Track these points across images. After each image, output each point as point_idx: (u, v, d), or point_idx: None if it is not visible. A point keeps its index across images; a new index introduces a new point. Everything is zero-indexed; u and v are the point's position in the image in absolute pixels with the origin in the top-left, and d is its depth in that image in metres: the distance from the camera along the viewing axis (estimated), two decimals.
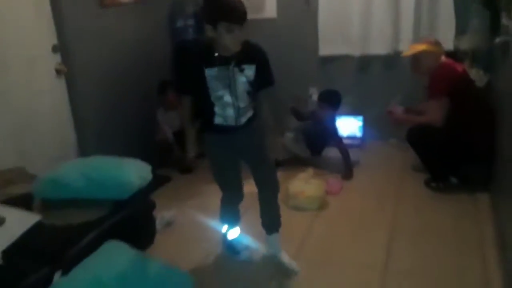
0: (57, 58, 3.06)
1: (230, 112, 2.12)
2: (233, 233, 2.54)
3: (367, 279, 2.26)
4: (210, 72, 2.02)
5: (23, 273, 1.89)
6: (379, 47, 3.89)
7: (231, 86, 2.06)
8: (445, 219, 2.79)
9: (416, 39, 3.62)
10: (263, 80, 2.13)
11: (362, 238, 2.65)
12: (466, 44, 3.45)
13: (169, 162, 3.77)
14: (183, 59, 2.17)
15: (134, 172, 2.50)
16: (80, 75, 3.20)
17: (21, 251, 2.01)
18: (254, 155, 2.27)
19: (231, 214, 2.50)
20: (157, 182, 3.34)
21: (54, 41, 3.03)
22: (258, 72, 2.08)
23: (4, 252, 1.95)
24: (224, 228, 2.54)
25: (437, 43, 3.09)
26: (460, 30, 3.57)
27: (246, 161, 2.31)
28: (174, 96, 3.77)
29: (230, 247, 2.56)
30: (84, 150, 3.25)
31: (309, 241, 2.64)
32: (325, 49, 4.07)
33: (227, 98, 2.08)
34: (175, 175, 3.69)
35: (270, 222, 2.39)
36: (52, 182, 2.40)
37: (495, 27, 3.15)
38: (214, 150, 2.27)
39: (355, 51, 3.98)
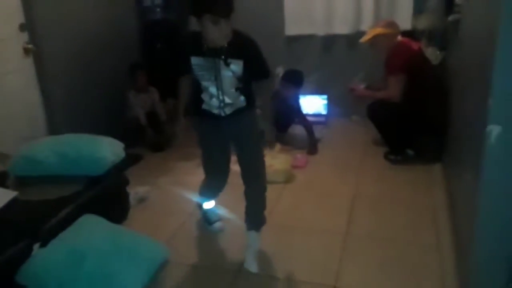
0: (24, 37, 3.06)
1: (215, 102, 2.10)
2: (208, 204, 2.59)
3: (329, 242, 2.45)
4: (196, 61, 2.01)
5: (3, 246, 1.97)
6: (342, 27, 4.06)
7: (217, 79, 2.03)
8: (402, 187, 3.02)
9: (377, 19, 3.79)
10: (256, 73, 2.08)
11: (325, 207, 2.84)
12: (423, 23, 3.65)
13: (142, 142, 3.83)
14: (177, 42, 2.15)
15: (108, 148, 2.58)
16: (48, 54, 3.21)
17: (1, 225, 2.08)
18: (240, 147, 2.25)
19: (210, 191, 2.51)
20: (129, 160, 3.42)
21: (22, 19, 3.03)
22: (248, 66, 2.01)
23: None
24: (205, 203, 2.58)
25: (391, 25, 3.28)
26: (418, 10, 3.77)
27: (235, 150, 2.29)
28: (144, 78, 3.83)
29: (204, 217, 2.63)
30: (53, 129, 3.28)
31: (277, 210, 2.81)
32: (291, 29, 4.19)
33: (213, 90, 2.06)
34: (146, 154, 3.77)
35: (250, 218, 2.35)
36: (26, 159, 2.46)
37: (450, 7, 3.35)
38: (201, 133, 2.26)
39: (320, 31, 4.12)
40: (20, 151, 2.52)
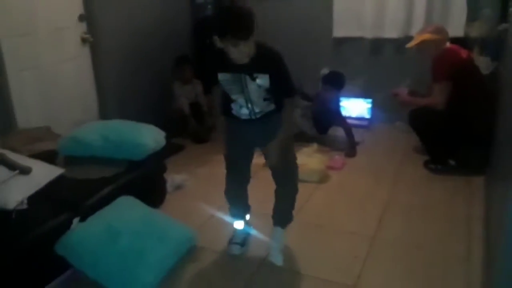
0: (83, 27, 3.29)
1: (245, 112, 2.13)
2: (238, 223, 2.50)
3: (355, 244, 2.45)
4: (223, 77, 2.05)
5: (46, 217, 2.15)
6: (391, 31, 4.00)
7: (244, 92, 2.05)
8: (438, 197, 2.95)
9: (428, 24, 3.70)
10: (282, 91, 2.08)
11: (356, 210, 2.83)
12: (476, 31, 3.54)
13: (184, 131, 3.98)
14: (205, 59, 2.19)
15: (149, 136, 2.72)
16: (103, 44, 3.42)
17: (45, 198, 2.25)
18: (268, 147, 2.22)
19: (236, 203, 2.46)
20: (171, 149, 3.58)
21: (81, 11, 3.25)
22: (273, 81, 2.01)
23: (29, 198, 2.20)
24: (235, 222, 2.50)
25: (440, 30, 3.19)
26: (471, 18, 3.65)
27: (263, 153, 2.30)
28: (190, 71, 3.97)
29: (232, 236, 2.50)
30: (104, 115, 3.50)
31: (307, 208, 2.83)
32: (339, 31, 4.19)
33: (242, 101, 2.10)
34: (188, 145, 3.91)
35: (276, 216, 2.40)
36: (75, 140, 2.65)
37: (504, 15, 3.23)
38: (229, 131, 2.28)
39: (368, 34, 4.09)
40: (70, 133, 2.71)
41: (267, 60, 1.99)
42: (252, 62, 1.95)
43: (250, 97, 2.07)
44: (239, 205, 2.46)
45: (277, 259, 2.31)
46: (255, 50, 1.93)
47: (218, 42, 1.91)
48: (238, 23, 1.84)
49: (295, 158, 2.35)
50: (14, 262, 1.95)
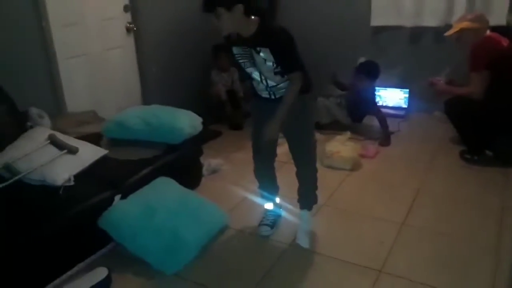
0: (127, 17, 3.46)
1: (262, 87, 2.22)
2: (268, 204, 2.60)
3: (383, 230, 2.49)
4: (235, 50, 2.16)
5: (90, 194, 2.32)
6: (431, 20, 3.93)
7: (255, 65, 2.13)
8: (472, 187, 2.92)
9: (469, 12, 3.62)
10: (284, 67, 2.11)
11: (387, 196, 2.86)
12: None
13: (221, 117, 4.10)
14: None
15: (187, 121, 2.85)
16: (146, 34, 3.59)
17: (90, 177, 2.43)
18: (290, 131, 2.30)
19: (265, 183, 2.54)
20: (209, 135, 3.72)
21: (126, 1, 3.42)
22: (275, 55, 2.06)
23: (76, 176, 2.38)
24: (265, 204, 2.61)
25: (480, 18, 3.12)
26: None
27: (284, 134, 2.34)
28: (226, 59, 4.08)
29: (262, 217, 2.59)
30: (146, 100, 3.67)
31: (338, 194, 2.89)
32: (377, 20, 4.16)
33: (256, 75, 2.18)
34: (225, 131, 4.04)
35: (302, 198, 2.47)
36: (118, 124, 2.82)
37: None
38: (254, 112, 2.42)
39: (407, 22, 4.04)
40: (114, 117, 2.89)
41: (267, 35, 2.05)
42: (253, 37, 2.06)
43: (261, 70, 2.14)
44: (267, 184, 2.55)
45: (304, 242, 2.39)
46: (257, 27, 2.03)
47: (222, 13, 1.98)
48: None
49: (313, 140, 2.38)
50: (61, 235, 2.13)
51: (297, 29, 2.18)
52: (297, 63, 2.13)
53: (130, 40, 3.53)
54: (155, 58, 3.71)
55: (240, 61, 2.19)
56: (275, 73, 2.13)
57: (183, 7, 3.91)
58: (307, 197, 2.47)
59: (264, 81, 2.18)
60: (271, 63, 2.09)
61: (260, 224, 2.55)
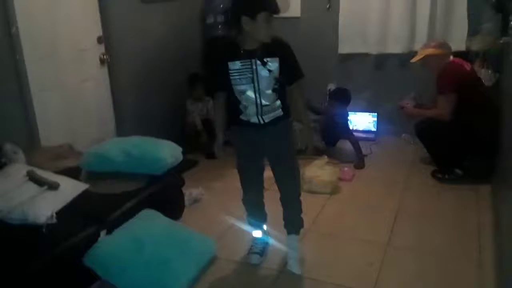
0: (101, 48, 3.43)
1: (252, 109, 2.17)
2: (257, 232, 2.57)
3: (370, 251, 2.54)
4: (233, 66, 2.09)
5: (74, 231, 2.24)
6: (395, 47, 4.14)
7: (254, 81, 2.11)
8: (447, 205, 3.06)
9: (431, 39, 3.84)
10: (292, 74, 2.17)
11: (368, 218, 2.93)
12: (477, 45, 3.67)
13: (197, 147, 4.08)
14: (210, 56, 2.26)
15: (168, 151, 2.83)
16: (121, 64, 3.56)
17: (72, 213, 2.35)
18: (277, 155, 2.32)
19: (255, 212, 2.52)
20: (186, 165, 3.67)
21: (99, 33, 3.40)
22: (283, 66, 2.11)
23: (58, 212, 2.30)
24: (253, 232, 2.58)
25: (442, 45, 3.34)
26: (472, 32, 3.79)
27: (268, 159, 2.36)
28: (201, 88, 4.11)
29: (251, 245, 2.57)
30: (121, 132, 3.61)
31: (321, 218, 2.94)
32: (344, 48, 4.33)
33: (250, 93, 2.13)
34: (201, 160, 4.01)
35: (289, 224, 2.45)
36: (98, 156, 2.75)
37: (504, 29, 3.37)
38: (239, 142, 2.34)
39: (373, 49, 4.24)
40: (93, 149, 2.82)
41: (277, 45, 2.11)
42: (263, 47, 2.08)
43: (259, 87, 2.12)
44: (256, 213, 2.53)
45: (296, 268, 2.39)
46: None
47: (247, 23, 1.99)
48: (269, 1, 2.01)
49: (298, 164, 2.43)
50: (45, 275, 2.03)
51: None
52: (301, 69, 2.21)
53: (104, 71, 3.49)
54: (129, 88, 3.67)
55: (236, 77, 2.12)
56: (273, 90, 2.16)
57: (157, 37, 3.93)
58: (294, 222, 2.48)
59: (258, 100, 2.15)
60: (273, 77, 2.12)
61: (249, 253, 2.53)
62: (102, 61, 3.44)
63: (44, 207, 2.22)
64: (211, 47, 2.25)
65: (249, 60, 2.09)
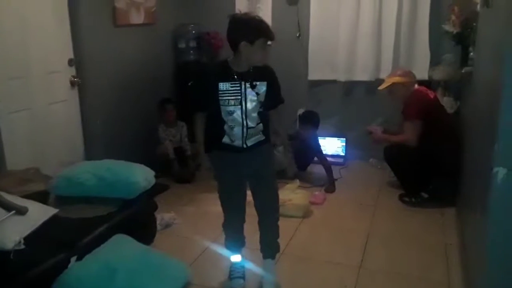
0: (72, 71, 3.39)
1: (238, 131, 2.20)
2: (235, 257, 2.54)
3: (343, 275, 2.57)
4: (223, 86, 2.14)
5: (43, 257, 2.16)
6: (362, 75, 4.30)
7: (241, 102, 2.16)
8: (415, 227, 3.14)
9: (395, 68, 4.02)
10: (275, 98, 2.29)
11: (340, 241, 2.97)
12: (439, 74, 3.86)
13: (168, 174, 4.04)
14: (200, 75, 2.27)
15: (141, 174, 2.79)
16: (91, 87, 3.52)
17: (41, 238, 2.26)
18: (258, 180, 2.35)
19: (235, 237, 2.50)
20: (157, 189, 3.62)
21: (71, 55, 3.36)
22: (269, 90, 2.21)
23: (26, 238, 2.21)
24: (232, 256, 2.54)
25: (408, 74, 3.51)
26: (434, 62, 4.00)
27: (250, 183, 2.38)
28: (173, 113, 4.09)
29: (230, 270, 2.55)
30: (90, 156, 3.54)
31: (294, 242, 2.95)
32: (314, 74, 4.46)
33: (237, 114, 2.17)
34: (172, 184, 3.97)
35: (266, 248, 2.47)
36: (67, 180, 2.68)
37: (464, 60, 3.58)
38: (220, 167, 2.32)
39: (341, 77, 4.38)
40: (62, 173, 2.74)
41: (265, 70, 2.23)
42: (253, 70, 2.18)
43: (246, 109, 2.18)
44: (237, 237, 2.51)
45: None
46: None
47: (245, 48, 2.08)
48: (268, 27, 2.13)
49: (277, 186, 2.48)
50: None
51: None
52: (281, 96, 2.33)
53: (74, 94, 3.44)
54: (99, 111, 3.63)
55: (225, 98, 2.16)
56: (258, 113, 2.23)
57: (128, 61, 3.92)
58: (271, 246, 2.48)
59: (244, 121, 2.20)
60: (259, 100, 2.20)
61: (232, 278, 2.49)
62: (72, 84, 3.40)
63: (11, 232, 2.13)
64: (202, 67, 2.24)
65: (239, 82, 2.16)
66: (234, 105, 2.17)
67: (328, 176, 3.88)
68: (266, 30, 2.12)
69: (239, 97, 2.16)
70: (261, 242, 2.48)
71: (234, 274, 2.50)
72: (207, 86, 2.19)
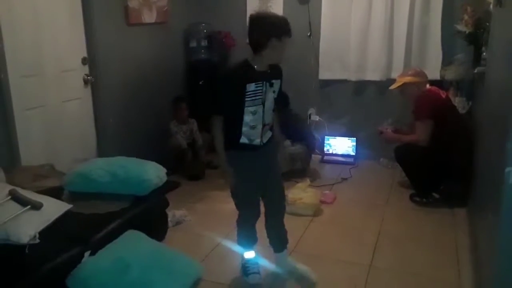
0: (85, 69, 3.43)
1: (258, 130, 2.25)
2: (249, 253, 2.55)
3: (353, 273, 2.58)
4: (249, 88, 2.16)
5: (58, 251, 2.20)
6: (373, 74, 4.29)
7: (263, 102, 2.21)
8: (426, 227, 3.13)
9: (407, 68, 4.01)
10: (283, 96, 2.40)
11: (351, 240, 2.98)
12: (451, 74, 3.85)
13: (179, 168, 4.06)
14: (226, 78, 2.28)
15: (153, 172, 2.82)
16: (104, 86, 3.56)
17: (55, 233, 2.30)
18: (271, 175, 2.40)
19: (249, 234, 2.51)
20: (168, 186, 3.65)
21: (84, 54, 3.41)
22: (280, 87, 2.29)
23: (40, 232, 2.25)
24: (245, 253, 2.55)
25: (420, 74, 3.49)
26: (446, 62, 3.98)
27: (264, 180, 2.40)
28: (185, 111, 4.13)
29: (243, 268, 2.55)
30: (103, 153, 3.58)
31: (304, 240, 2.96)
32: (324, 74, 4.46)
33: (259, 114, 2.22)
34: (183, 182, 4.00)
35: (279, 241, 2.51)
36: (81, 177, 2.72)
37: (477, 60, 3.55)
38: (240, 167, 2.31)
39: (352, 76, 4.37)
40: (76, 170, 2.79)
41: (277, 67, 2.30)
42: (270, 69, 2.23)
43: (265, 107, 2.24)
44: (252, 234, 2.53)
45: (312, 275, 2.47)
46: None
47: (276, 44, 2.12)
48: (289, 23, 2.16)
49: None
50: None
51: None
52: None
53: (87, 92, 3.48)
54: (112, 109, 3.67)
55: (251, 98, 2.19)
56: (272, 110, 2.30)
57: (141, 60, 3.96)
58: (284, 238, 2.54)
59: (264, 120, 2.26)
60: (274, 98, 2.26)
61: (249, 273, 2.50)
62: (86, 82, 3.44)
63: (27, 226, 2.17)
64: (226, 69, 2.22)
65: (262, 82, 2.20)
66: (257, 104, 2.21)
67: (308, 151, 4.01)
68: (289, 28, 2.16)
69: (262, 97, 2.21)
70: (273, 236, 2.51)
71: (250, 270, 2.50)
72: (235, 89, 2.18)
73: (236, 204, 2.46)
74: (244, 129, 2.24)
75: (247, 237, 2.53)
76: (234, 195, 2.43)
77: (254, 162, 2.31)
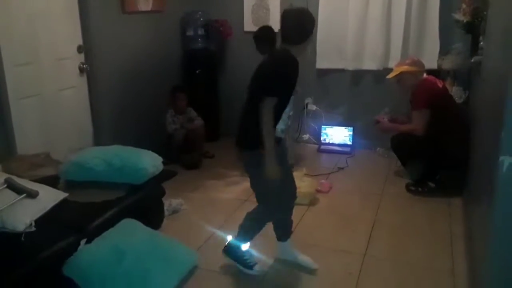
0: (81, 57, 3.41)
1: (284, 121, 2.48)
2: (246, 245, 2.54)
3: (348, 262, 2.60)
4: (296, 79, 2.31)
5: (54, 240, 2.21)
6: (370, 63, 4.28)
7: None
8: (421, 216, 3.15)
9: (404, 57, 4.00)
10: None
11: (346, 229, 2.99)
12: (448, 64, 3.84)
13: (175, 157, 4.06)
14: (291, 65, 2.25)
15: (149, 161, 2.83)
16: (100, 74, 3.54)
17: (51, 221, 2.30)
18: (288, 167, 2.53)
19: (256, 231, 2.52)
20: (165, 175, 3.66)
21: (80, 42, 3.38)
22: None
23: (36, 221, 2.26)
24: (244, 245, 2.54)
25: (417, 63, 3.48)
26: (444, 51, 3.97)
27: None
28: (184, 100, 4.11)
29: (242, 262, 2.51)
30: (99, 141, 3.58)
31: (300, 229, 2.97)
32: (321, 63, 4.44)
33: (288, 108, 2.41)
34: (180, 171, 4.00)
35: (285, 229, 2.57)
36: (77, 165, 2.72)
37: (474, 49, 3.54)
38: (280, 160, 2.25)
39: (349, 65, 4.36)
40: (72, 158, 2.78)
41: None
42: None
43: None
44: (260, 229, 2.52)
45: (311, 264, 2.53)
46: None
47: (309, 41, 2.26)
48: None
49: None
50: (23, 284, 1.99)
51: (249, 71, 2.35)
52: None
53: (83, 80, 3.47)
54: (108, 98, 3.66)
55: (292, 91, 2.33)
56: None
57: (136, 47, 3.94)
58: (290, 225, 2.59)
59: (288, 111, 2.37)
60: None
61: (251, 265, 2.48)
62: (81, 70, 3.42)
63: (22, 214, 2.17)
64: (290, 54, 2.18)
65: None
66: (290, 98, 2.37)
67: None
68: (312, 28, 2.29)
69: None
70: (281, 227, 2.55)
71: (252, 262, 2.50)
72: (296, 75, 2.28)
73: (266, 200, 2.40)
74: (277, 121, 2.23)
75: (255, 232, 2.51)
76: (270, 192, 2.32)
77: (282, 152, 2.39)
